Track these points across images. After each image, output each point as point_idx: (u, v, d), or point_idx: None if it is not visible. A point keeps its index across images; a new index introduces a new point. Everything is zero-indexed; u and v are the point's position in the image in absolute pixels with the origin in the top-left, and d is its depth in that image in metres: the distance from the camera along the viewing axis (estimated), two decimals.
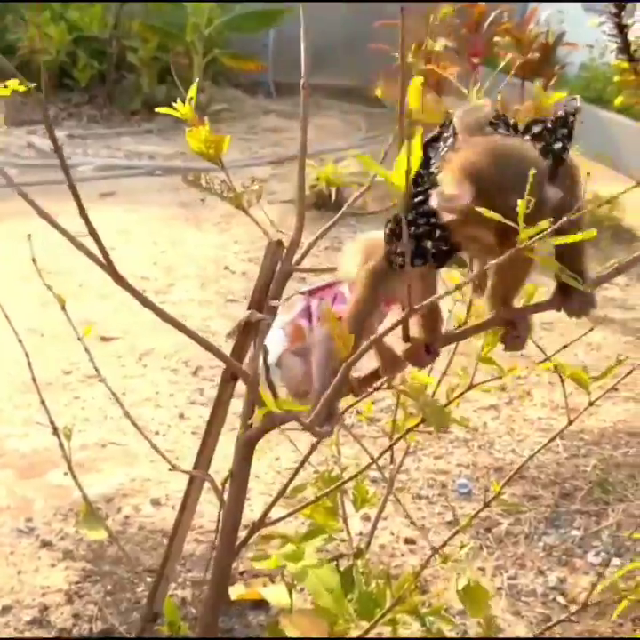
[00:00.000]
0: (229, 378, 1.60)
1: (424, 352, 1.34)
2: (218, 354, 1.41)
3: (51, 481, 2.49)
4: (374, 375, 1.47)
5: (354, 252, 1.31)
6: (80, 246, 1.23)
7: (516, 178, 1.07)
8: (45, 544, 2.25)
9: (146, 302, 1.26)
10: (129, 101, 6.87)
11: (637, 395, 3.05)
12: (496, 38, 5.01)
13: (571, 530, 2.41)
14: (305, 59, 1.43)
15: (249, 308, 1.60)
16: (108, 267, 1.25)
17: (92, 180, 5.27)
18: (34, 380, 1.63)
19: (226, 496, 1.57)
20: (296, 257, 1.57)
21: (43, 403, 1.70)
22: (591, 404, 1.63)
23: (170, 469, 1.55)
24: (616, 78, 5.80)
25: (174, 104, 1.47)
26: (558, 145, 1.19)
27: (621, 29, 5.91)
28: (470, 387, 1.62)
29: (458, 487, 2.57)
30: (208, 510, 2.26)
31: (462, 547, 2.19)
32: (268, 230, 1.57)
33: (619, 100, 5.92)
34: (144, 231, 4.63)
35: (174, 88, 6.94)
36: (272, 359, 1.34)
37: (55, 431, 1.70)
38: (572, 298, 1.27)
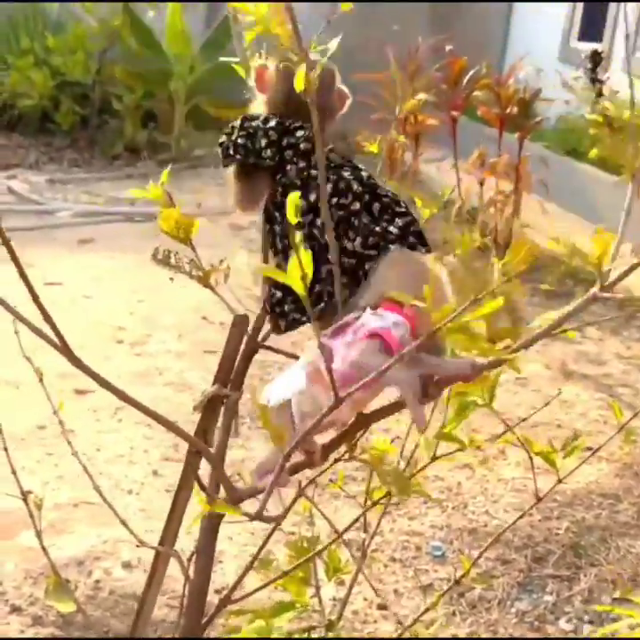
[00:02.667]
0: (195, 452, 1.60)
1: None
2: (179, 432, 1.41)
3: (22, 542, 2.46)
4: (337, 442, 1.47)
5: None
6: (32, 327, 1.23)
7: None
8: (15, 609, 2.22)
9: (104, 384, 1.27)
10: (111, 146, 6.92)
11: (610, 455, 3.08)
12: (476, 93, 5.11)
13: (543, 595, 2.41)
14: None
15: (214, 383, 1.62)
16: (64, 349, 1.24)
17: (71, 225, 5.29)
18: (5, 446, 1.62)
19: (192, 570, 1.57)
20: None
21: (14, 473, 1.70)
22: (560, 481, 1.65)
23: (137, 546, 1.55)
24: (591, 131, 5.90)
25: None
26: None
27: (596, 84, 6.00)
28: (433, 459, 1.63)
29: (431, 550, 2.57)
30: (180, 575, 2.24)
31: (433, 622, 2.19)
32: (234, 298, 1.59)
33: (593, 153, 6.02)
34: (122, 279, 4.63)
35: (156, 132, 7.02)
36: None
37: (25, 500, 1.69)
38: None
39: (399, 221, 1.40)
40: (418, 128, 5.12)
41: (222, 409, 1.65)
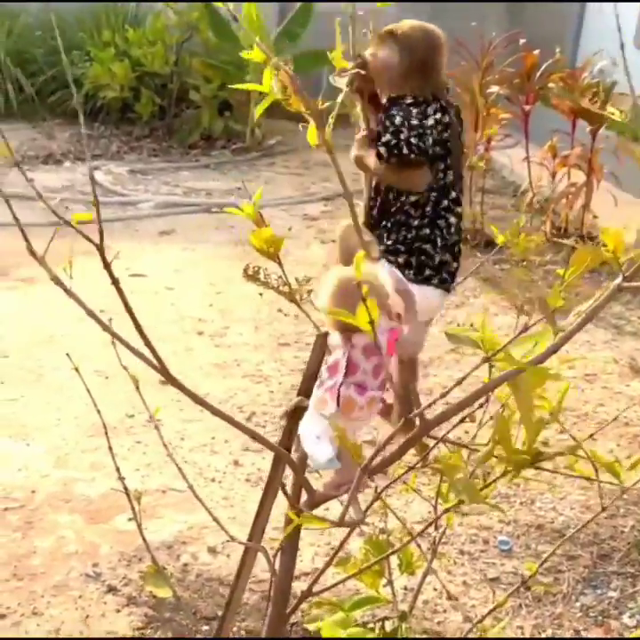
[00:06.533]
0: (279, 459, 1.75)
1: None
2: (264, 442, 1.58)
3: (117, 526, 2.66)
4: (404, 448, 1.60)
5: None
6: (133, 350, 1.38)
7: None
8: (111, 589, 2.42)
9: (201, 402, 1.44)
10: (188, 135, 7.12)
11: None
12: (550, 85, 5.13)
13: (607, 591, 2.51)
14: None
15: (298, 395, 1.78)
16: (162, 370, 1.41)
17: (152, 217, 5.50)
18: (105, 427, 1.75)
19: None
20: None
21: (117, 472, 1.87)
22: (623, 492, 1.75)
23: (227, 541, 1.71)
24: None
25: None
26: None
27: None
28: (504, 473, 1.73)
29: (499, 544, 2.68)
30: (260, 560, 2.40)
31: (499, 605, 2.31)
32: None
33: None
34: (201, 270, 4.82)
35: (231, 121, 7.18)
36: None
37: (126, 488, 1.84)
38: None
39: None
40: (490, 121, 5.16)
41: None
